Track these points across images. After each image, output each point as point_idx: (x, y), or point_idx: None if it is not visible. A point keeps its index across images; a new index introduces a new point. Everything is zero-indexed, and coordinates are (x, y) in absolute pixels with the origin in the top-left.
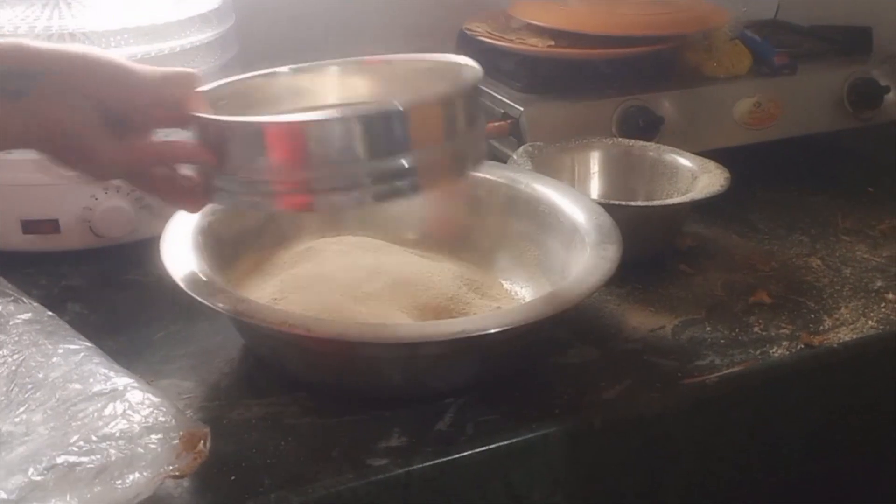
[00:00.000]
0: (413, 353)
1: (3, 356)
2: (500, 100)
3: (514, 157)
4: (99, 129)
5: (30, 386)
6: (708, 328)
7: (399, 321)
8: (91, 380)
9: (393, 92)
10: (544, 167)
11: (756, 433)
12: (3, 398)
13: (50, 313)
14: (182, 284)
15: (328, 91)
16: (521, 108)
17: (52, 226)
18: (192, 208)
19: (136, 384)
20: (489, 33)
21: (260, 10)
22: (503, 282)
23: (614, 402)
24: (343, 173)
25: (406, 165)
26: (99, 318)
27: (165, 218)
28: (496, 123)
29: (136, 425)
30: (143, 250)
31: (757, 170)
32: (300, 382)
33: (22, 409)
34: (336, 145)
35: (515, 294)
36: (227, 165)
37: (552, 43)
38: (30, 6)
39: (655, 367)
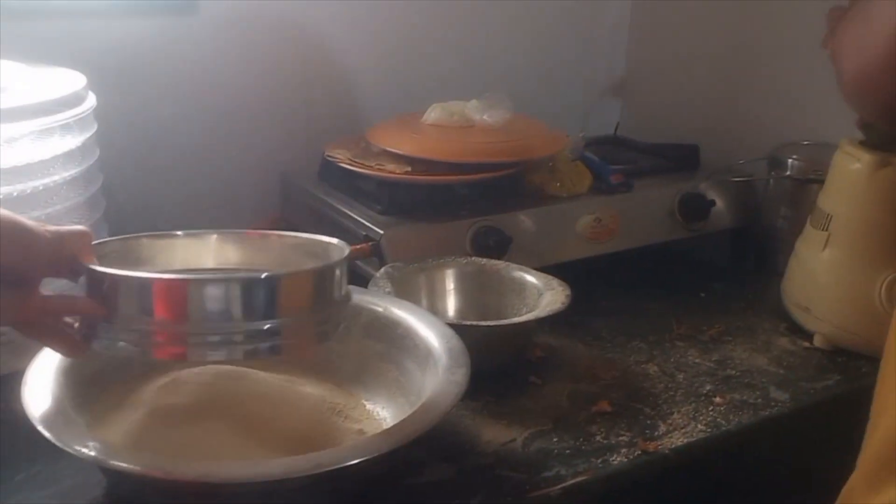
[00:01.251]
0: (275, 489)
1: None
2: (362, 222)
3: (377, 277)
4: None
5: None
6: (555, 439)
7: (263, 454)
8: None
9: (263, 262)
10: (404, 287)
11: None
12: None
13: None
14: (40, 427)
15: (205, 255)
16: (382, 231)
17: None
18: (73, 354)
19: None
20: (350, 160)
21: (123, 147)
22: (365, 402)
23: None
24: (218, 330)
25: (275, 330)
26: None
27: (29, 354)
28: (359, 246)
29: None
30: (4, 386)
31: (599, 280)
32: None
33: None
34: (216, 304)
35: (377, 414)
36: (114, 316)
37: (409, 169)
38: None
39: (506, 481)
